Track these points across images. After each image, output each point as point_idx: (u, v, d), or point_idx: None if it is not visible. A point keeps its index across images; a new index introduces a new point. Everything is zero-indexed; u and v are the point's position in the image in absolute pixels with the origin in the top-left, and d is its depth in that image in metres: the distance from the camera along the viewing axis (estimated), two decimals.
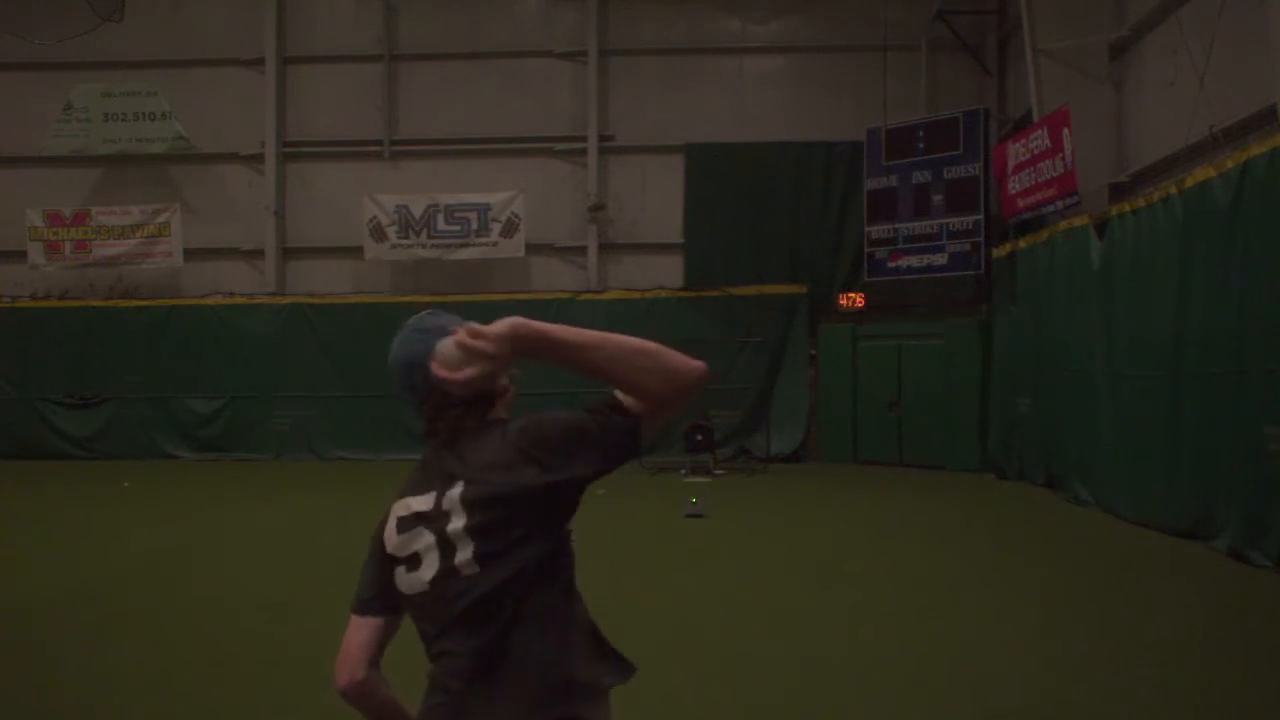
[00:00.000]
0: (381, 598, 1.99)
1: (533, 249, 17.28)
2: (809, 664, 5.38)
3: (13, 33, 15.55)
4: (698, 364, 1.89)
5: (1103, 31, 12.22)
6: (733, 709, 4.71)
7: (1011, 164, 13.58)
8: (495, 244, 17.13)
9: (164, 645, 5.72)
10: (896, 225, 15.92)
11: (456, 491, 1.86)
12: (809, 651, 5.62)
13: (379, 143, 17.75)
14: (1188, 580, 7.60)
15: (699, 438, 15.18)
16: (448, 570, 1.85)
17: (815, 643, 5.82)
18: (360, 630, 2.00)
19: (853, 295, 16.49)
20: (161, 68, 17.69)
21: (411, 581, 1.90)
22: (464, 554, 1.83)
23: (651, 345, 1.94)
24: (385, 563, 1.97)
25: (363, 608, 2.02)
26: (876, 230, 16.13)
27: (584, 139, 17.42)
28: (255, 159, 17.93)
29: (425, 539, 1.89)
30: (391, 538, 1.94)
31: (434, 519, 1.88)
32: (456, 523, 1.84)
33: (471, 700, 1.83)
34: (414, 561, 1.89)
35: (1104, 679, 5.05)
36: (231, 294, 17.80)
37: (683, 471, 14.96)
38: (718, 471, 14.96)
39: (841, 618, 6.44)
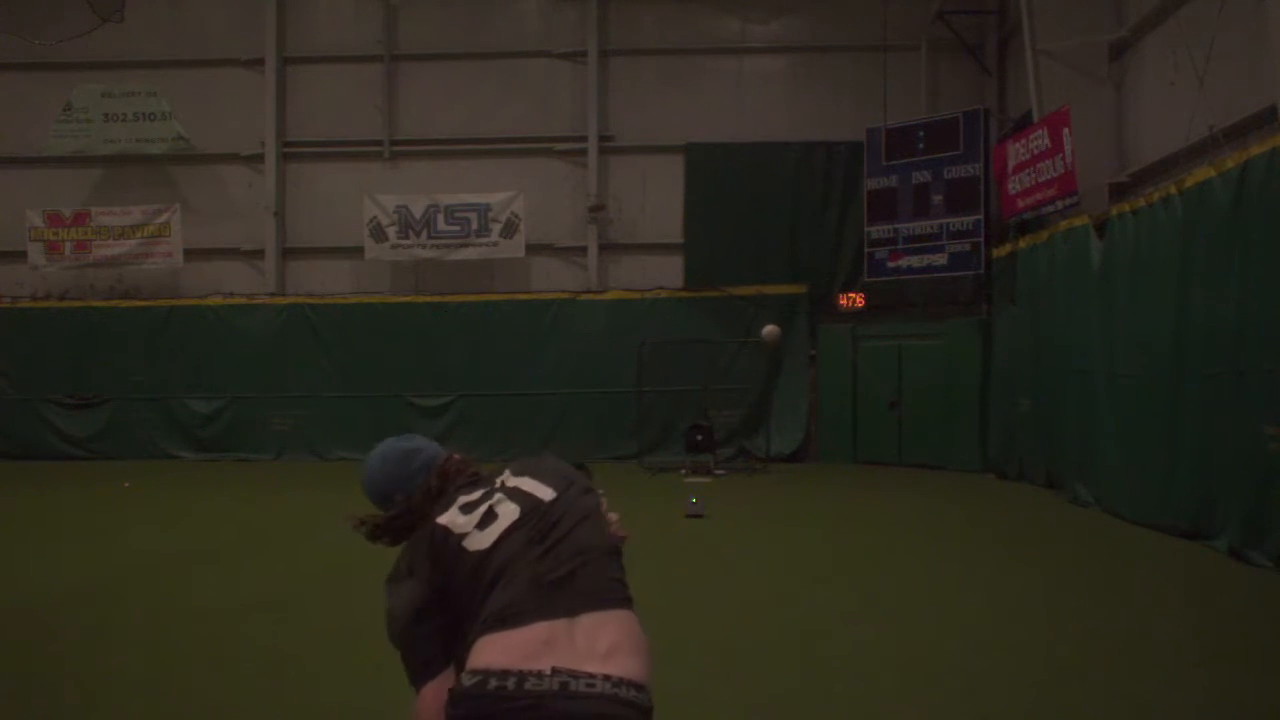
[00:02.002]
0: (450, 647, 2.17)
1: (533, 249, 17.29)
2: (808, 663, 5.38)
3: (13, 33, 15.56)
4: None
5: (1103, 31, 12.22)
6: (732, 708, 4.70)
7: (1011, 164, 13.58)
8: (495, 244, 17.13)
9: (164, 645, 5.72)
10: (896, 225, 15.92)
11: (507, 476, 2.33)
12: (808, 651, 5.62)
13: (379, 143, 17.75)
14: (1188, 580, 7.60)
15: (699, 438, 15.18)
16: (534, 504, 2.23)
17: (815, 642, 5.82)
18: (441, 689, 2.11)
19: (853, 295, 16.49)
20: (161, 68, 17.70)
21: (491, 532, 2.18)
22: (544, 491, 2.26)
23: None
24: (444, 578, 2.17)
25: (440, 664, 2.16)
26: (876, 230, 16.13)
27: (584, 139, 17.42)
28: (255, 159, 17.93)
29: (494, 498, 2.25)
30: (456, 524, 2.22)
31: (499, 488, 2.29)
32: (525, 484, 2.29)
33: (586, 583, 2.10)
34: (488, 518, 2.21)
35: (1104, 679, 5.05)
36: (231, 294, 17.81)
37: (683, 471, 14.96)
38: (718, 471, 14.95)
39: (841, 617, 6.44)
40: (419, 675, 2.14)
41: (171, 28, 17.84)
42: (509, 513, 2.20)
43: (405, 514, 2.33)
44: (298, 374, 17.28)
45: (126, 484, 13.70)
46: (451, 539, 2.19)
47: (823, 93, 17.08)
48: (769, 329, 14.32)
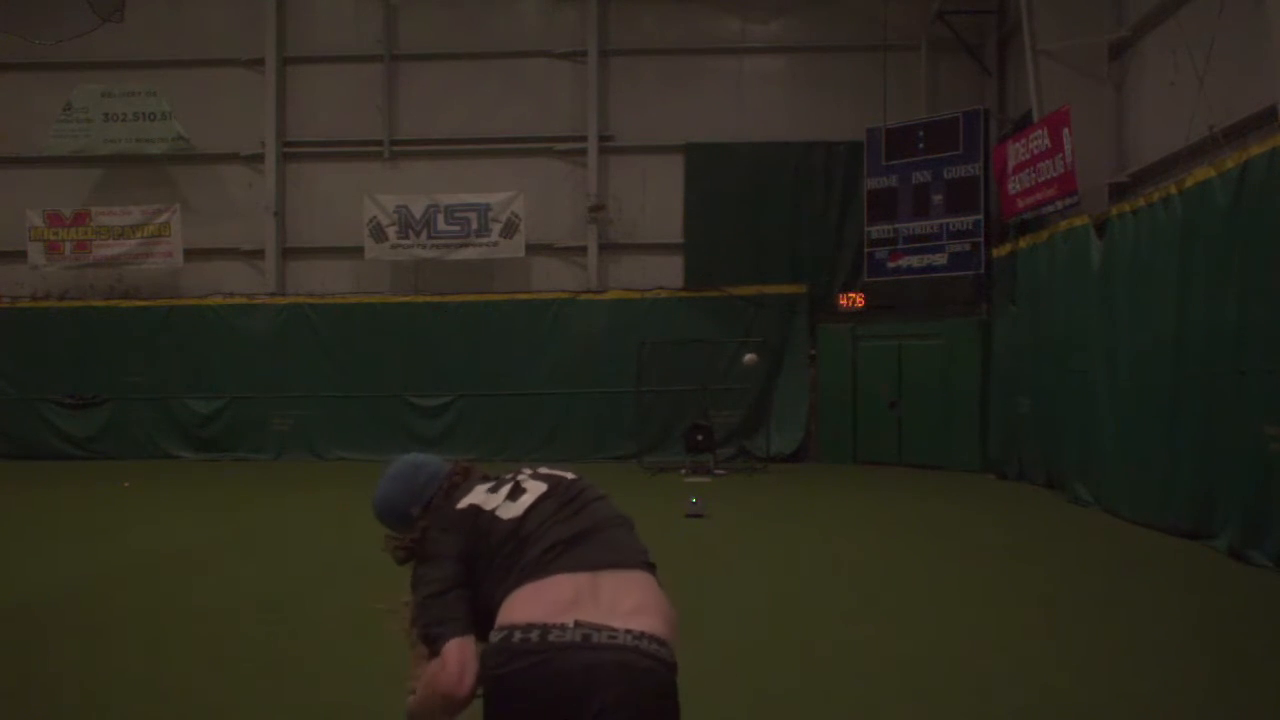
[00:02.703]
0: (477, 615, 2.24)
1: (533, 249, 17.29)
2: (808, 663, 5.38)
3: (13, 33, 15.55)
4: (444, 693, 2.12)
5: (1103, 31, 12.22)
6: (732, 707, 4.70)
7: (1011, 164, 13.58)
8: (495, 244, 17.13)
9: (163, 645, 5.71)
10: (896, 225, 15.92)
11: (523, 468, 2.50)
12: (808, 651, 5.62)
13: (379, 143, 17.75)
14: (1188, 580, 7.60)
15: (699, 438, 15.18)
16: (559, 480, 2.40)
17: (815, 642, 5.82)
18: (466, 645, 2.17)
19: (853, 295, 16.49)
20: (161, 68, 17.70)
21: (522, 503, 2.32)
22: (566, 473, 2.45)
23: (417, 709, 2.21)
24: (475, 548, 2.28)
25: (465, 625, 2.22)
26: (876, 230, 16.13)
27: (584, 139, 17.42)
28: (255, 159, 17.93)
29: (521, 475, 2.42)
30: (486, 501, 2.35)
31: (521, 474, 2.43)
32: (544, 469, 2.47)
33: (609, 544, 2.25)
34: (517, 491, 2.35)
35: (1104, 679, 5.05)
36: (231, 294, 17.80)
37: (683, 471, 14.96)
38: (718, 471, 14.95)
39: (841, 617, 6.44)
40: (444, 635, 2.17)
41: (171, 28, 17.83)
42: (536, 488, 2.35)
43: (433, 523, 2.41)
44: (298, 374, 17.27)
45: (126, 484, 13.69)
46: (483, 513, 2.31)
47: (823, 93, 17.08)
48: (748, 357, 15.09)
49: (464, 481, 2.46)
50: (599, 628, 2.02)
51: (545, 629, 2.01)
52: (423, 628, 2.21)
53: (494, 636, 2.06)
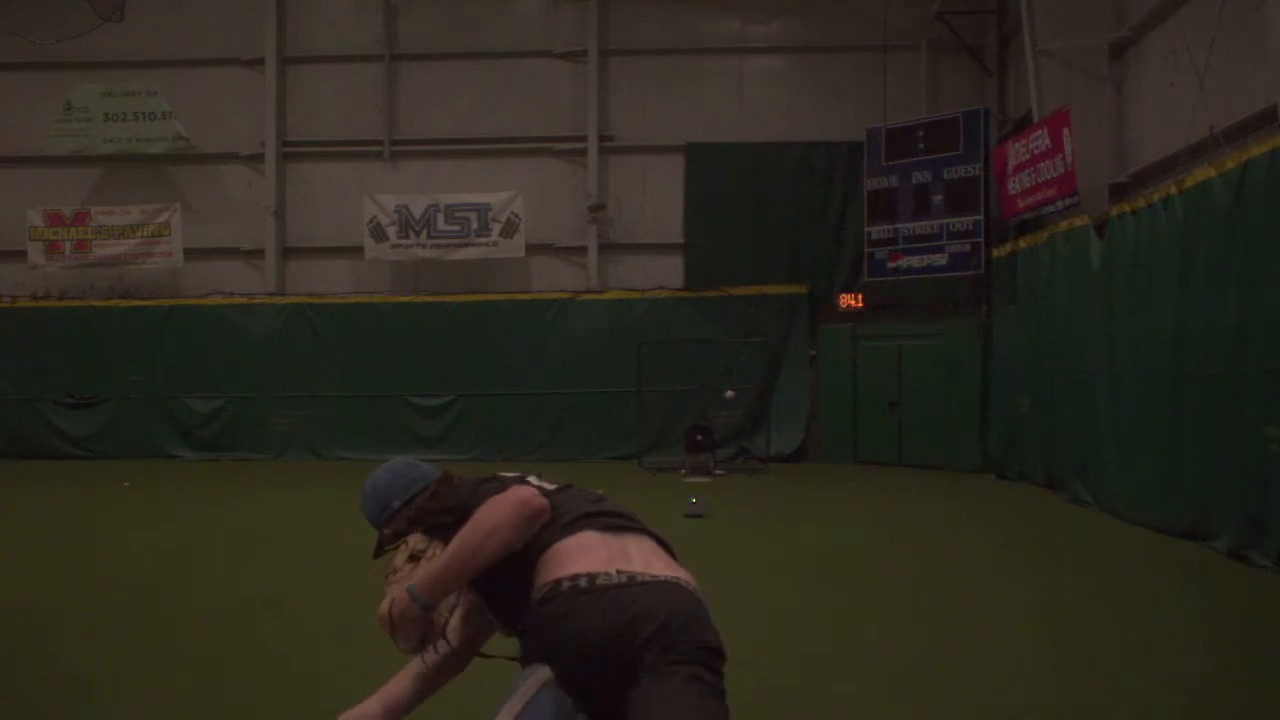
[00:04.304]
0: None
1: (533, 249, 17.29)
2: (808, 663, 5.38)
3: (13, 33, 15.56)
4: (514, 501, 2.31)
5: (1103, 32, 12.22)
6: (731, 707, 4.70)
7: (1011, 164, 13.58)
8: (495, 244, 17.14)
9: (164, 645, 5.71)
10: (896, 225, 15.92)
11: None
12: (808, 651, 5.62)
13: (379, 143, 17.75)
14: (1187, 580, 7.60)
15: (699, 438, 15.18)
16: (571, 482, 2.60)
17: (814, 642, 5.82)
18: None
19: (853, 295, 16.50)
20: (161, 68, 17.70)
21: (548, 485, 2.53)
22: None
23: (481, 517, 2.31)
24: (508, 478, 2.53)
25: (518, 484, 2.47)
26: (876, 230, 16.13)
27: (584, 139, 17.42)
28: (255, 159, 17.94)
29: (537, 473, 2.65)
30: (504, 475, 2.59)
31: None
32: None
33: (630, 520, 2.47)
34: (540, 477, 2.59)
35: (1104, 679, 5.05)
36: (231, 294, 17.81)
37: (682, 471, 14.96)
38: (718, 471, 14.95)
39: (841, 617, 6.44)
40: (500, 490, 2.37)
41: (171, 28, 17.84)
42: (557, 481, 2.57)
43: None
44: (298, 374, 17.28)
45: (126, 484, 13.69)
46: (511, 476, 2.54)
47: (823, 93, 17.08)
48: (728, 393, 15.60)
49: (453, 487, 2.59)
50: (640, 573, 2.25)
51: (592, 576, 2.21)
52: (475, 497, 2.38)
53: (538, 594, 2.22)
